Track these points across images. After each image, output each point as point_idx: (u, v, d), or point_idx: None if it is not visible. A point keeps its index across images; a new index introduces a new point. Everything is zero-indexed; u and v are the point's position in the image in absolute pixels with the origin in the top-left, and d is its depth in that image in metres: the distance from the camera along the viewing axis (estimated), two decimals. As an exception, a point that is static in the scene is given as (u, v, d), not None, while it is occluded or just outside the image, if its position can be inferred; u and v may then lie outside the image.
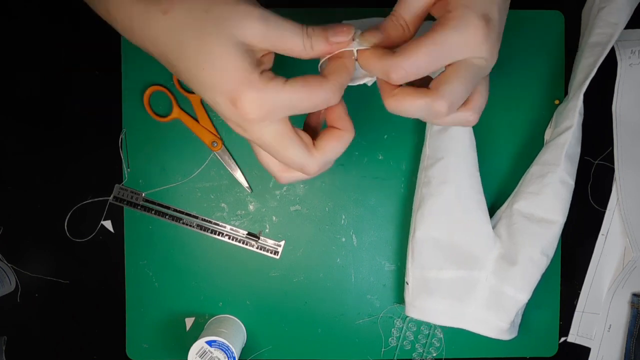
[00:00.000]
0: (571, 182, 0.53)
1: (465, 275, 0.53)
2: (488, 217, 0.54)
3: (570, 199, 0.53)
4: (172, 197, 0.57)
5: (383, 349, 0.59)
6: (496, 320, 0.53)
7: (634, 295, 0.57)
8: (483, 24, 0.35)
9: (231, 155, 0.57)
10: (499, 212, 0.56)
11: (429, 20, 0.44)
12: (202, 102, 0.57)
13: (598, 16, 0.53)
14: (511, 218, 0.54)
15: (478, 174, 0.54)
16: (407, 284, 0.55)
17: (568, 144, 0.52)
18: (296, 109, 0.36)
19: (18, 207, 0.57)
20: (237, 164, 0.57)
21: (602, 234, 0.58)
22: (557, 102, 0.57)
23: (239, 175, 0.57)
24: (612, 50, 0.56)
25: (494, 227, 0.55)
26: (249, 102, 0.34)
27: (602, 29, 0.53)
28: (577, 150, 0.54)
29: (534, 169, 0.54)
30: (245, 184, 0.57)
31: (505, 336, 0.54)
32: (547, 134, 0.56)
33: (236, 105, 0.34)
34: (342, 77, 0.37)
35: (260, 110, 0.35)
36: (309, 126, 0.41)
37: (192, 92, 0.56)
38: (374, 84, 0.40)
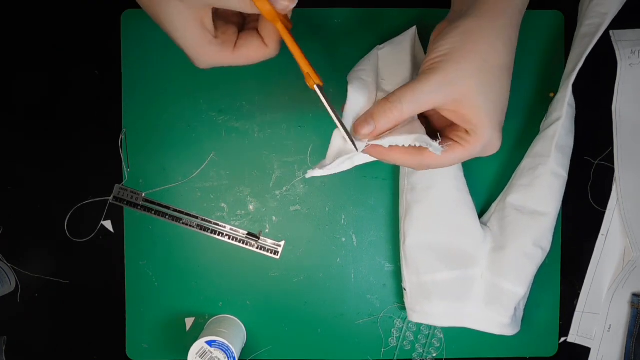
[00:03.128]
0: (563, 174, 0.53)
1: (460, 275, 0.53)
2: (476, 214, 0.54)
3: (563, 191, 0.53)
4: (172, 197, 0.57)
5: (383, 349, 0.59)
6: (497, 316, 0.53)
7: (634, 295, 0.57)
8: (501, 138, 0.43)
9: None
10: (493, 206, 0.56)
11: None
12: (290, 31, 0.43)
13: (589, 7, 0.53)
14: (504, 211, 0.54)
15: (462, 173, 0.54)
16: (405, 289, 0.55)
17: (558, 136, 0.52)
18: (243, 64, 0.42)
19: (18, 207, 0.57)
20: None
21: (602, 234, 0.58)
22: (552, 94, 0.57)
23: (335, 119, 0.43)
24: (612, 50, 0.56)
25: (487, 221, 0.55)
26: (199, 64, 0.40)
27: (592, 20, 0.53)
28: (569, 142, 0.54)
29: (525, 162, 0.54)
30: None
31: (509, 331, 0.54)
32: (542, 126, 0.56)
33: (192, 60, 0.40)
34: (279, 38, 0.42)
35: (207, 66, 0.40)
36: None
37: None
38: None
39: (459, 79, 0.40)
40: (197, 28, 0.38)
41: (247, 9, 0.37)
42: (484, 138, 0.42)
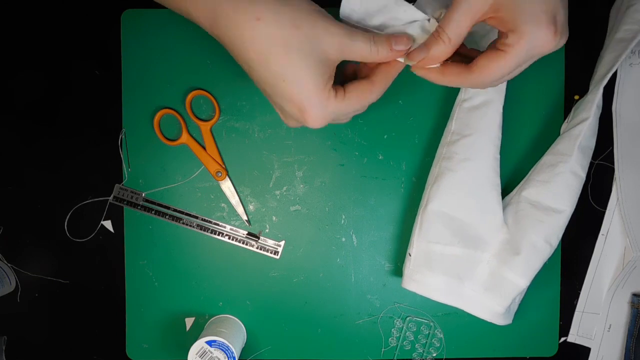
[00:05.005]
0: (582, 175, 0.53)
1: (468, 254, 0.54)
2: (501, 200, 0.54)
3: (580, 191, 0.53)
4: (172, 197, 0.57)
5: (383, 349, 0.59)
6: (493, 303, 0.53)
7: (634, 295, 0.57)
8: (552, 29, 0.39)
9: (234, 187, 0.57)
10: (507, 199, 0.56)
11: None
12: (211, 130, 0.56)
13: (626, 13, 0.53)
14: (519, 205, 0.54)
15: (499, 157, 0.54)
16: (410, 255, 0.55)
17: (582, 136, 0.53)
18: (351, 113, 0.44)
19: (18, 207, 0.57)
20: (239, 196, 0.57)
21: (602, 234, 0.58)
22: (577, 97, 0.57)
23: (240, 209, 0.57)
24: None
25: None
26: (314, 116, 0.41)
27: (629, 26, 0.53)
28: (592, 144, 0.54)
29: (546, 159, 0.55)
30: (244, 217, 0.57)
31: (500, 321, 0.54)
32: (563, 128, 0.57)
33: (303, 115, 0.41)
34: (388, 82, 0.44)
35: (321, 121, 0.42)
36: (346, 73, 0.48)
37: (203, 120, 0.56)
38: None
39: None
40: (320, 80, 0.41)
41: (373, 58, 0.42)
42: (524, 36, 0.39)
